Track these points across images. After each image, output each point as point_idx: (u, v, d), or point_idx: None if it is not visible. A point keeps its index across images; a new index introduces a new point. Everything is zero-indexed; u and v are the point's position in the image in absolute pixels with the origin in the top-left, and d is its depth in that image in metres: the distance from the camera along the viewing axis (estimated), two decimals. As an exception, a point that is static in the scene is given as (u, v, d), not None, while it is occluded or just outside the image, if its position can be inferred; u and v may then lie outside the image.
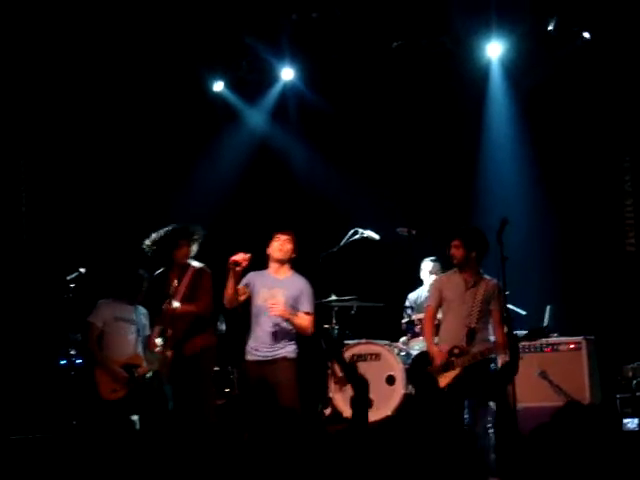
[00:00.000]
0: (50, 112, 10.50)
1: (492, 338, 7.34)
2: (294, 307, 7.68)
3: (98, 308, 8.48)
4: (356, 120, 10.97)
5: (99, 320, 8.43)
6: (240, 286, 7.68)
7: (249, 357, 7.81)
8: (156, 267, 8.31)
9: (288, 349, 7.73)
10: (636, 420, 7.56)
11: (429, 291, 8.00)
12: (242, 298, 7.70)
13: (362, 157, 10.91)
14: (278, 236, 7.71)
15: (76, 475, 4.95)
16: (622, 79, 9.91)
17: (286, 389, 7.54)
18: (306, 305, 7.72)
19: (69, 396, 8.33)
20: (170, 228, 8.20)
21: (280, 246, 7.70)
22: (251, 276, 7.81)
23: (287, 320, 7.60)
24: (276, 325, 7.70)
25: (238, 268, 7.45)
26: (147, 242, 8.21)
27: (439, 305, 7.58)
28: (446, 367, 7.28)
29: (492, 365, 7.46)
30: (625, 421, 7.77)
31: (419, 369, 7.56)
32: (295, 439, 4.94)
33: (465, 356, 7.24)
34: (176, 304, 7.89)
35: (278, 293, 7.70)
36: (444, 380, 7.31)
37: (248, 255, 7.44)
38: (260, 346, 7.73)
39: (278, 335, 7.71)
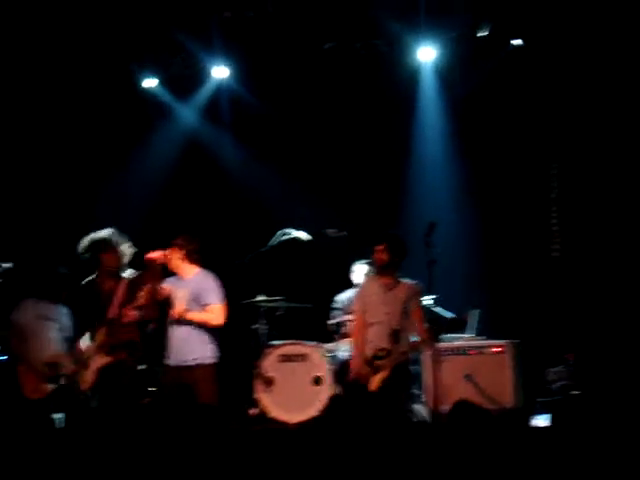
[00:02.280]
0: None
1: (413, 338, 7.62)
2: (197, 303, 7.79)
3: (20, 306, 8.40)
4: (288, 120, 10.96)
5: (22, 318, 8.35)
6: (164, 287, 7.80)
7: (167, 360, 7.86)
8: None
9: (203, 354, 7.77)
10: (546, 416, 7.65)
11: (354, 299, 8.19)
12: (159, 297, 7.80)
13: (294, 157, 10.90)
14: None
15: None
16: (552, 86, 10.03)
17: (203, 392, 7.57)
18: (211, 297, 7.83)
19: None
20: (96, 236, 8.10)
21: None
22: (169, 280, 7.94)
23: (190, 320, 7.68)
24: (186, 330, 7.73)
25: (156, 265, 7.52)
26: (79, 247, 8.12)
27: (363, 313, 7.80)
28: (375, 371, 7.51)
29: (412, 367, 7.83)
30: (536, 418, 7.86)
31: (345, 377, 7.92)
32: (214, 436, 4.94)
33: (392, 356, 7.47)
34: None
35: (182, 292, 7.78)
36: (374, 384, 7.55)
37: (164, 252, 7.63)
38: (175, 352, 7.76)
39: (187, 340, 7.75)
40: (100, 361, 7.97)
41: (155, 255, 7.52)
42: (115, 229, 8.05)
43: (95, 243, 8.06)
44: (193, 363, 7.76)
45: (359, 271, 9.33)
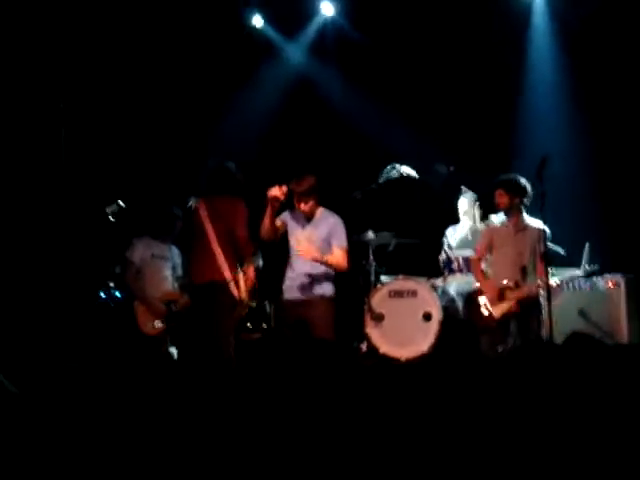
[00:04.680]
0: (87, 51, 10.44)
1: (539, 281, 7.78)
2: (327, 244, 7.75)
3: (135, 245, 8.58)
4: (396, 56, 10.83)
5: (136, 257, 8.54)
6: (278, 222, 7.74)
7: (286, 296, 7.88)
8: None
9: (325, 288, 7.80)
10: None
11: (480, 236, 8.38)
12: (278, 233, 7.75)
13: (401, 93, 10.78)
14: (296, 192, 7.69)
15: (113, 408, 5.01)
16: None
17: (322, 327, 7.61)
18: (338, 240, 7.78)
19: (109, 329, 8.42)
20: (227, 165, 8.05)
21: (300, 204, 7.74)
22: (285, 216, 7.87)
23: (320, 262, 7.66)
24: (310, 267, 7.75)
25: (276, 203, 7.46)
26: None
27: (487, 251, 8.15)
28: (501, 297, 7.86)
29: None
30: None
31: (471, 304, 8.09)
32: (331, 371, 4.97)
33: (520, 290, 7.83)
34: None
35: (311, 233, 7.78)
36: (498, 310, 7.88)
37: (285, 188, 7.43)
38: (296, 286, 7.80)
39: (313, 276, 7.78)
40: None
41: (277, 192, 7.44)
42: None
43: (228, 168, 7.90)
44: (317, 297, 7.75)
45: (462, 204, 9.23)
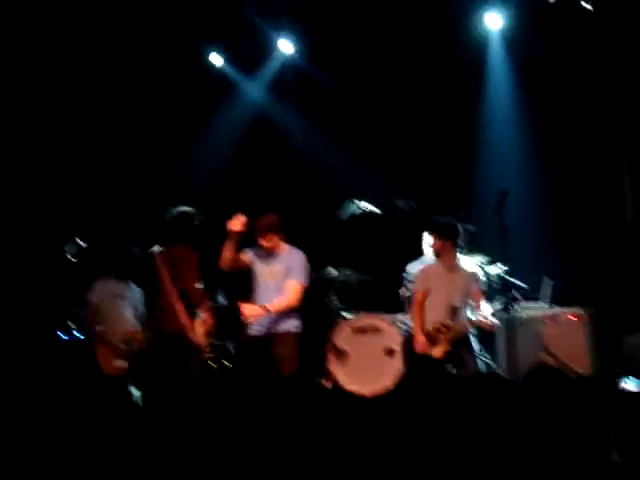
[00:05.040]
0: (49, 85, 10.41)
1: (472, 317, 7.94)
2: (287, 277, 7.89)
3: (95, 285, 8.50)
4: (354, 93, 10.91)
5: (95, 297, 8.46)
6: (244, 258, 7.90)
7: (250, 332, 7.88)
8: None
9: (291, 324, 7.86)
10: (637, 381, 7.56)
11: (416, 280, 8.38)
12: (239, 264, 7.89)
13: (360, 130, 10.85)
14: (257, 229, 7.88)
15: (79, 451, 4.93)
16: (621, 52, 9.85)
17: (288, 363, 7.63)
18: (295, 275, 7.91)
19: (70, 371, 8.30)
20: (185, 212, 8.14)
21: (262, 241, 7.90)
22: (250, 253, 7.97)
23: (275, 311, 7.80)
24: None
25: (235, 235, 7.64)
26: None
27: (426, 292, 8.14)
28: (433, 343, 7.91)
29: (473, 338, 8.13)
30: (625, 382, 7.77)
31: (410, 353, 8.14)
32: (298, 407, 4.95)
33: (450, 331, 7.88)
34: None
35: (276, 268, 7.90)
36: (437, 353, 7.89)
37: (243, 218, 7.64)
38: (261, 322, 7.80)
39: (279, 312, 7.80)
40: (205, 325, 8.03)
41: (235, 224, 7.60)
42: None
43: (186, 214, 8.08)
44: (283, 333, 7.85)
45: (429, 240, 9.26)
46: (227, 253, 7.75)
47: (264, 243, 7.89)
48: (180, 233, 7.92)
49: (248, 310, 7.79)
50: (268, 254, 7.95)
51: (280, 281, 7.90)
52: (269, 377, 7.20)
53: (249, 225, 7.77)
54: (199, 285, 7.85)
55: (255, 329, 7.87)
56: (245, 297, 8.01)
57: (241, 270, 8.00)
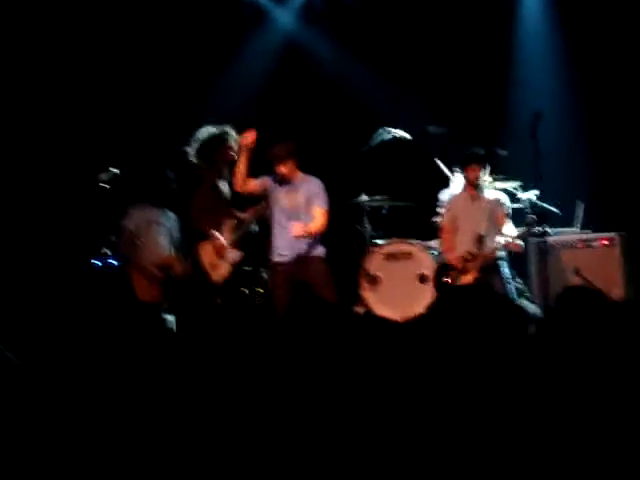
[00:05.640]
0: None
1: (499, 242, 8.09)
2: (308, 205, 8.06)
3: (129, 212, 8.54)
4: (386, 18, 10.76)
5: (132, 224, 8.50)
6: (258, 184, 8.08)
7: (277, 258, 8.01)
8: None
9: (317, 249, 7.98)
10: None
11: (444, 211, 8.61)
12: (250, 187, 8.10)
13: (392, 56, 10.72)
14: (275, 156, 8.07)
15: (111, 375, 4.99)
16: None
17: (322, 285, 7.83)
18: (320, 201, 8.07)
19: (106, 296, 8.40)
20: (212, 131, 8.29)
21: (280, 167, 8.06)
22: (267, 181, 8.14)
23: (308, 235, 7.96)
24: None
25: (246, 148, 8.00)
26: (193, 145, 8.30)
27: (453, 222, 8.40)
28: (463, 272, 8.13)
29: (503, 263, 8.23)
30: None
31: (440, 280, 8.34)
32: (335, 333, 4.99)
33: (477, 259, 8.08)
34: None
35: (295, 196, 8.10)
36: (466, 280, 8.12)
37: (254, 132, 8.00)
38: (288, 247, 7.91)
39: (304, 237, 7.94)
40: (235, 256, 8.23)
41: (247, 138, 7.95)
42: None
43: (222, 134, 8.32)
44: (311, 256, 8.03)
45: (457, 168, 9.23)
46: (240, 166, 8.03)
47: (283, 170, 8.03)
48: (212, 156, 8.29)
49: (297, 229, 7.94)
50: (286, 182, 8.09)
51: (299, 208, 8.06)
52: (305, 302, 7.27)
53: (267, 154, 8.00)
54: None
55: (282, 255, 8.00)
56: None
57: (255, 195, 8.21)
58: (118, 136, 10.32)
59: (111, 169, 8.53)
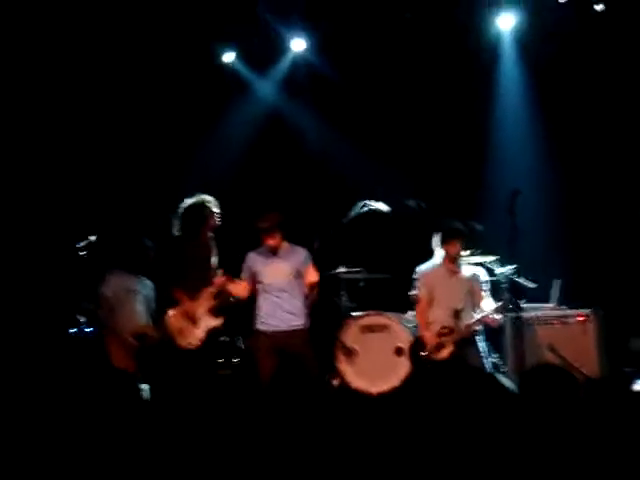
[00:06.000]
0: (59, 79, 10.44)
1: (475, 316, 8.10)
2: (298, 272, 8.08)
3: (106, 279, 8.52)
4: (367, 92, 10.90)
5: (108, 291, 8.48)
6: (244, 276, 8.17)
7: (262, 327, 7.99)
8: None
9: (304, 320, 7.99)
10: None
11: (419, 283, 8.53)
12: (247, 290, 8.20)
13: (373, 129, 10.86)
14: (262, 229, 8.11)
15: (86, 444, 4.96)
16: (636, 51, 9.86)
17: (308, 357, 7.85)
18: (309, 261, 8.14)
19: (80, 364, 8.33)
20: (198, 201, 8.34)
21: (268, 239, 8.11)
22: (251, 258, 8.20)
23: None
24: (288, 300, 7.95)
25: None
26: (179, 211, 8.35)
27: (429, 296, 8.38)
28: (439, 347, 8.08)
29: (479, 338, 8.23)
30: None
31: (416, 354, 8.26)
32: (314, 407, 4.99)
33: (454, 334, 8.06)
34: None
35: (281, 266, 8.11)
36: (442, 354, 8.07)
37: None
38: (276, 317, 7.91)
39: (292, 308, 7.97)
40: (211, 322, 8.22)
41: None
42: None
43: (203, 204, 8.35)
44: (297, 327, 8.04)
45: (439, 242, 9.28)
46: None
47: (270, 242, 8.03)
48: (196, 224, 8.29)
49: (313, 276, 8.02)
50: (272, 253, 8.08)
51: (287, 278, 8.04)
52: (290, 373, 7.26)
53: (253, 225, 8.06)
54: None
55: (269, 325, 7.99)
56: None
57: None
58: (97, 202, 10.35)
59: (88, 237, 8.52)
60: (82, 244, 8.46)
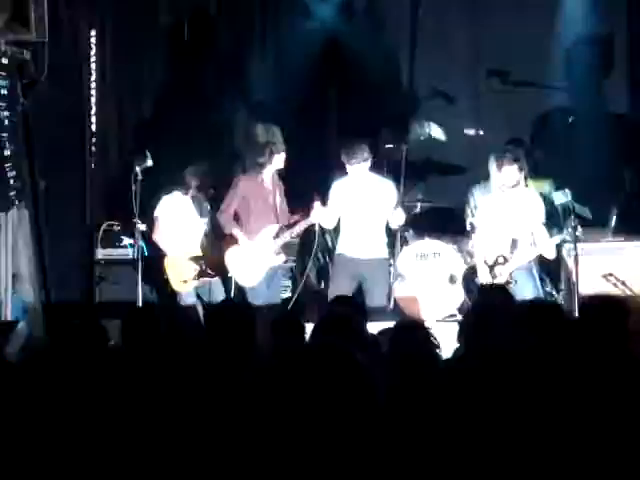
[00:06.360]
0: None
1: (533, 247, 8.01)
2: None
3: (165, 201, 8.59)
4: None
5: (166, 213, 8.54)
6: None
7: (346, 253, 8.22)
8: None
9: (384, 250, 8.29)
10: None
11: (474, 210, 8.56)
12: None
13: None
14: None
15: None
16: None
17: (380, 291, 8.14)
18: None
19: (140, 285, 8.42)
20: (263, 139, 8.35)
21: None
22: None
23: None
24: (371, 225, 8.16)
25: None
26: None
27: (487, 224, 8.26)
28: (493, 277, 8.03)
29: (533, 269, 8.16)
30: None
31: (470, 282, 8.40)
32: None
33: (510, 263, 7.98)
34: None
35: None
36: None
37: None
38: (358, 244, 8.14)
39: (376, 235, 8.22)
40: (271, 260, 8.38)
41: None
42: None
43: (268, 143, 8.51)
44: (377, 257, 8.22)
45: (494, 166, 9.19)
46: None
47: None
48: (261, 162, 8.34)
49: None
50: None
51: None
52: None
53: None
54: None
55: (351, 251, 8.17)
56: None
57: None
58: (156, 125, 10.34)
59: (147, 155, 8.51)
60: (140, 164, 8.45)
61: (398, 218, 8.21)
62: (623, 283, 8.36)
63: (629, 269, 8.50)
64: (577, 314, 7.35)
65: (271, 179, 8.46)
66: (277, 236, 8.37)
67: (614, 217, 9.05)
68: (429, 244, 8.94)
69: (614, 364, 4.06)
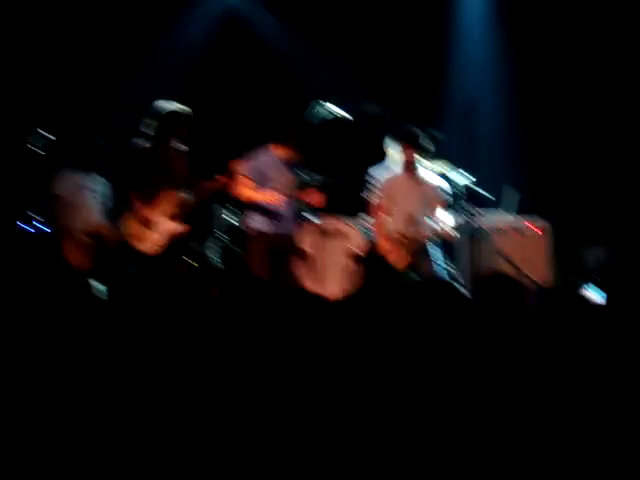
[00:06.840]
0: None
1: (434, 226, 8.14)
2: None
3: (60, 177, 8.43)
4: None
5: (62, 189, 8.39)
6: None
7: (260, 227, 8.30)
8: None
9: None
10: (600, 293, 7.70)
11: (381, 190, 8.45)
12: None
13: (333, 31, 10.71)
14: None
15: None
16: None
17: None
18: None
19: (36, 263, 8.26)
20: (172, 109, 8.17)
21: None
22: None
23: None
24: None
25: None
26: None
27: (390, 204, 8.28)
28: (394, 255, 8.08)
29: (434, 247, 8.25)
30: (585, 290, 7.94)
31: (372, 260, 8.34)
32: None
33: (410, 242, 8.08)
34: None
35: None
36: (397, 263, 8.11)
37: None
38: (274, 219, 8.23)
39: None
40: (171, 227, 8.14)
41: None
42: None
43: (175, 113, 8.16)
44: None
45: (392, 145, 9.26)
46: None
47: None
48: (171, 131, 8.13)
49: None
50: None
51: None
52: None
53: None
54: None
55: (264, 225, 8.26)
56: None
57: None
58: (49, 100, 10.15)
59: (39, 131, 8.34)
60: (36, 139, 8.28)
61: None
62: (515, 263, 8.52)
63: (525, 250, 8.68)
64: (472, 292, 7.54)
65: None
66: None
67: (514, 199, 9.20)
68: (331, 222, 8.96)
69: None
